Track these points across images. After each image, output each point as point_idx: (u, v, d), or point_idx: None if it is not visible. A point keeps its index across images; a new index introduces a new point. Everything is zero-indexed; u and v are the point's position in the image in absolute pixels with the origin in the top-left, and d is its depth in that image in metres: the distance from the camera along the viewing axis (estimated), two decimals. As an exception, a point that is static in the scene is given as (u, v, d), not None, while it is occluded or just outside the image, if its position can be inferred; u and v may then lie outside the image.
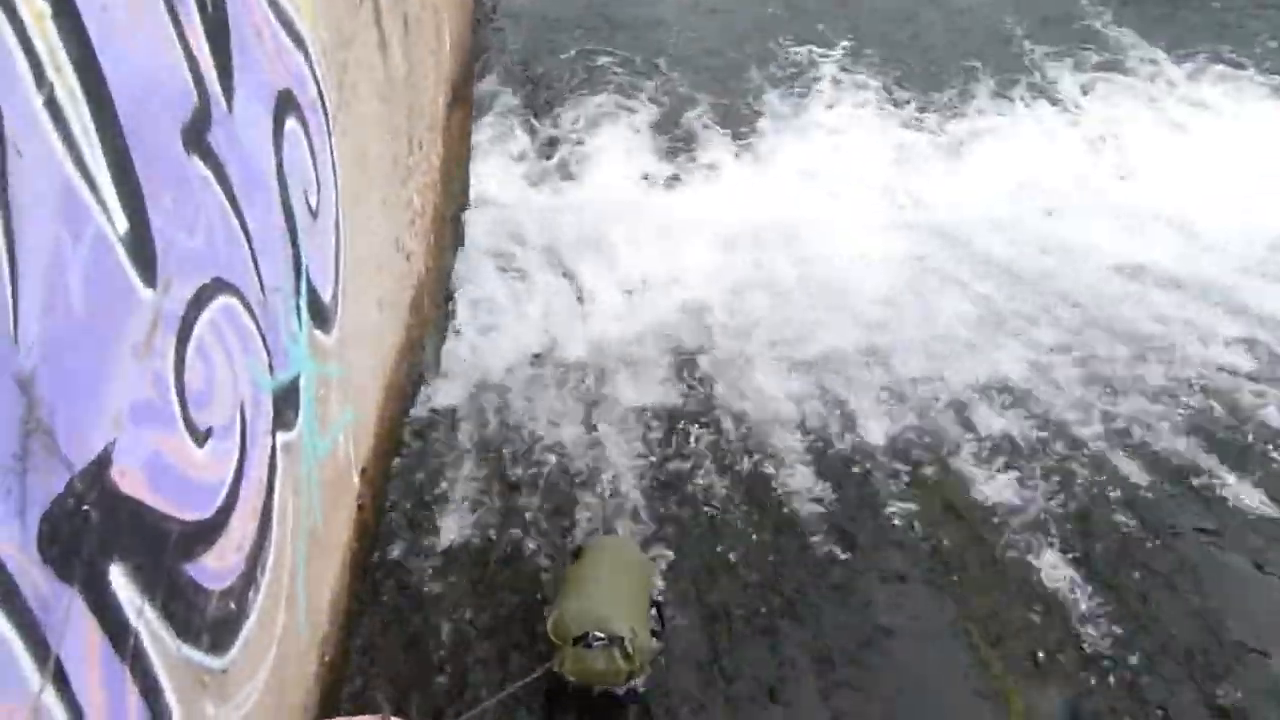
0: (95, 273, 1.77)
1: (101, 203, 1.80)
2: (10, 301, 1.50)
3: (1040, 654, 3.79)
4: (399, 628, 3.97)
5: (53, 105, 1.63)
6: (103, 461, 1.79)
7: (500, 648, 3.91)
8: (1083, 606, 3.97)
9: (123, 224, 1.87)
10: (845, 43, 9.71)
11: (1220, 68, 9.12)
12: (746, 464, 4.84)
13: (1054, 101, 8.76)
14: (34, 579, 1.55)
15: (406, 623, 3.99)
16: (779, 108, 8.71)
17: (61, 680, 1.62)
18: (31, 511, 1.56)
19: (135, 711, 1.89)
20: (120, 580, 1.85)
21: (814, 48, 9.67)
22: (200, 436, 2.24)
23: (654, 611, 3.82)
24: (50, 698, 1.58)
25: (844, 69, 9.26)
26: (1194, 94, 8.83)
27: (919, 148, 8.17)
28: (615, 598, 3.63)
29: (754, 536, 4.40)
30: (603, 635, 3.48)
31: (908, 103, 8.71)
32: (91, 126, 1.76)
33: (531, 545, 4.38)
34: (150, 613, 1.96)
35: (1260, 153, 7.76)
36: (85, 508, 1.72)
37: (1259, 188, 7.24)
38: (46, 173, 1.62)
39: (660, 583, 4.09)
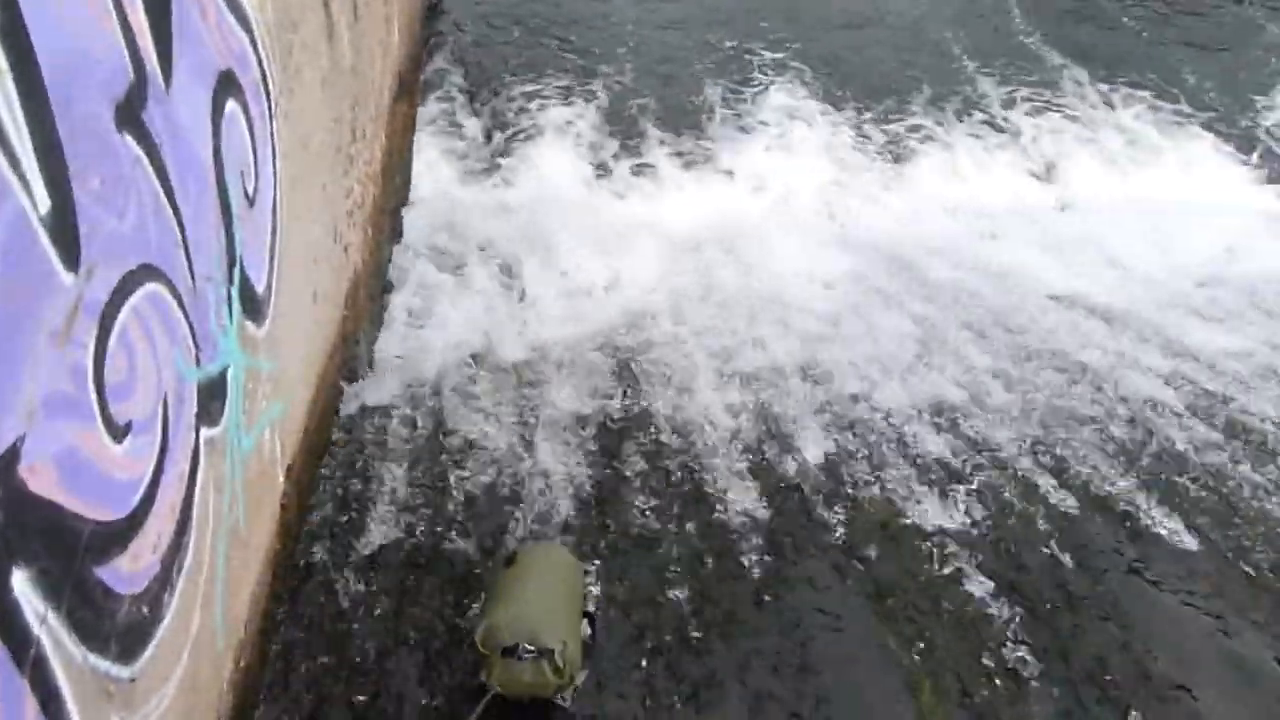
0: (11, 253, 1.65)
1: (22, 179, 1.67)
2: (-87, 282, 1.38)
3: (968, 678, 3.80)
4: (320, 632, 3.84)
5: (-27, 74, 1.51)
6: (10, 457, 1.67)
7: (425, 655, 3.81)
8: (1010, 632, 3.99)
9: (45, 203, 1.75)
10: (793, 52, 9.78)
11: (1150, 98, 9.32)
12: (682, 476, 4.79)
13: (994, 124, 8.87)
14: (-75, 586, 1.43)
15: (328, 627, 3.87)
16: (726, 113, 8.71)
17: (-48, 695, 1.50)
18: (-74, 512, 1.44)
19: (33, 727, 1.77)
20: (23, 586, 1.72)
21: (762, 54, 9.72)
22: (119, 431, 2.11)
23: (586, 623, 3.76)
24: (-61, 713, 1.46)
25: (791, 79, 9.29)
26: (1127, 124, 9.01)
27: (862, 164, 8.21)
28: (546, 609, 3.55)
29: (687, 550, 4.35)
30: (532, 648, 3.41)
31: (854, 118, 8.75)
32: (15, 99, 1.64)
33: (460, 551, 4.28)
34: (54, 620, 1.84)
35: (1189, 189, 7.95)
36: (-12, 507, 1.60)
37: (1187, 225, 7.40)
38: (-39, 144, 1.50)
39: (594, 592, 4.02)
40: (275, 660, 3.67)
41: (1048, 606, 4.14)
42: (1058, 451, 5.06)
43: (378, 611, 3.97)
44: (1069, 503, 4.71)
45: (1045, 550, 4.44)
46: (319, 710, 3.57)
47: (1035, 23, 11.03)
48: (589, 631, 3.78)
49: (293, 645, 3.76)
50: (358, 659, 3.76)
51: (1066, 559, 4.39)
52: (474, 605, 3.96)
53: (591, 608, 3.90)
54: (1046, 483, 4.85)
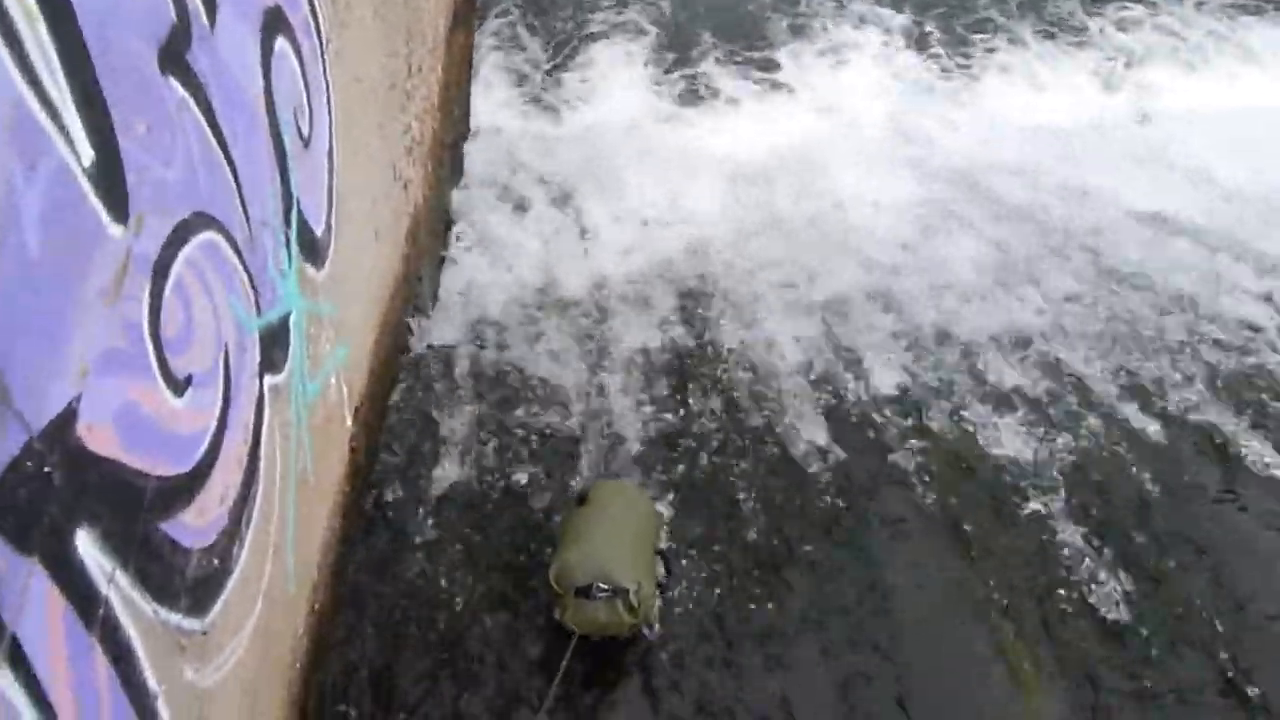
0: (55, 209, 1.59)
1: (63, 130, 1.60)
2: (-48, 243, 1.32)
3: (1050, 618, 3.69)
4: (392, 574, 3.85)
5: (2, 20, 1.43)
6: (66, 418, 1.62)
7: (496, 595, 3.81)
8: (1096, 570, 3.86)
9: (88, 154, 1.68)
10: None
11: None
12: (752, 410, 4.69)
13: (1072, 35, 8.42)
14: (-14, 553, 1.40)
15: (400, 569, 3.88)
16: (793, 35, 8.39)
17: (18, 660, 1.47)
18: (-17, 478, 1.40)
19: (106, 685, 1.76)
20: (88, 546, 1.70)
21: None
22: (179, 385, 2.07)
23: (660, 561, 3.72)
24: (5, 680, 1.44)
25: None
26: (1213, 25, 8.49)
27: (935, 84, 7.89)
28: (621, 548, 3.52)
29: (758, 486, 4.27)
30: (606, 587, 3.38)
31: (925, 37, 8.38)
32: (50, 44, 1.56)
33: (529, 490, 4.25)
34: (123, 579, 1.82)
35: (1283, 97, 7.51)
36: (47, 470, 1.56)
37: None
38: (-6, 97, 1.43)
39: (665, 531, 3.97)
40: (349, 603, 3.69)
41: (1135, 543, 3.99)
42: (1144, 379, 4.86)
43: (449, 551, 3.96)
44: (1156, 433, 4.53)
45: (1132, 484, 4.27)
46: (395, 650, 3.59)
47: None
48: (663, 570, 3.74)
49: (365, 588, 3.78)
50: (431, 599, 3.77)
51: (1155, 492, 4.22)
52: (545, 545, 3.94)
53: (665, 546, 3.86)
54: (1132, 412, 4.66)
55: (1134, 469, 4.34)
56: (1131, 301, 5.46)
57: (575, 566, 3.43)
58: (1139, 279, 5.66)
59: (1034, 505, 4.15)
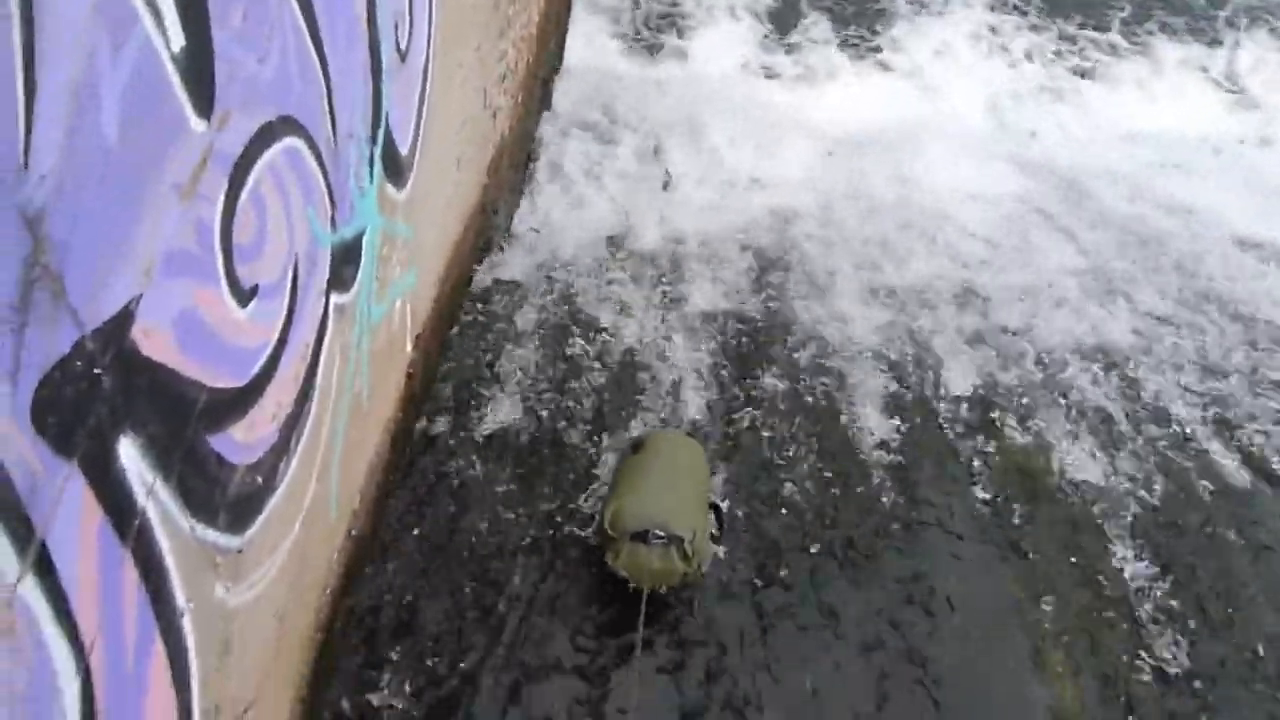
0: (137, 93, 1.48)
1: (154, 10, 1.49)
2: (22, 117, 1.21)
3: (1103, 650, 3.51)
4: (435, 506, 3.79)
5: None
6: (123, 318, 1.53)
7: (532, 540, 3.72)
8: (1156, 605, 3.67)
9: (178, 39, 1.57)
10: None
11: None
12: (818, 390, 4.54)
13: (1196, 41, 7.98)
14: (21, 452, 1.31)
15: (441, 503, 3.81)
16: (903, 10, 8.07)
17: (45, 568, 1.39)
18: (27, 374, 1.31)
19: (132, 599, 1.68)
20: (130, 455, 1.61)
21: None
22: (244, 295, 1.97)
23: (712, 515, 3.65)
24: (28, 588, 1.36)
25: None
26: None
27: (1047, 79, 7.56)
28: (677, 497, 3.49)
29: (814, 470, 4.13)
30: (662, 534, 3.32)
31: (1044, 29, 8.00)
32: (150, -86, 1.44)
33: (579, 440, 4.16)
34: (162, 491, 1.73)
35: None
36: (96, 371, 1.47)
37: None
38: (85, -37, 1.31)
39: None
40: (386, 531, 3.63)
41: (1201, 585, 3.79)
42: (1231, 414, 4.61)
43: (492, 491, 3.89)
44: (1238, 471, 4.30)
45: (1206, 522, 4.06)
46: (426, 583, 3.53)
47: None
48: (715, 524, 3.66)
49: (406, 517, 3.72)
50: (469, 535, 3.70)
51: (1228, 535, 4.01)
52: (589, 497, 3.86)
53: (718, 501, 3.78)
54: (1215, 447, 4.43)
55: (1209, 507, 4.12)
56: (1226, 331, 5.20)
57: (630, 513, 3.38)
58: (1236, 308, 5.39)
59: (1099, 531, 3.96)
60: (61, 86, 1.28)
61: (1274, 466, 4.34)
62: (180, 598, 1.86)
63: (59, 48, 1.26)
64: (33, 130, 1.23)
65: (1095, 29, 8.02)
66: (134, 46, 1.45)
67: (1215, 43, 7.98)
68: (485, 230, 4.90)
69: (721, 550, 3.68)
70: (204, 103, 1.69)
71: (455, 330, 4.57)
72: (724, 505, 3.80)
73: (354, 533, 3.21)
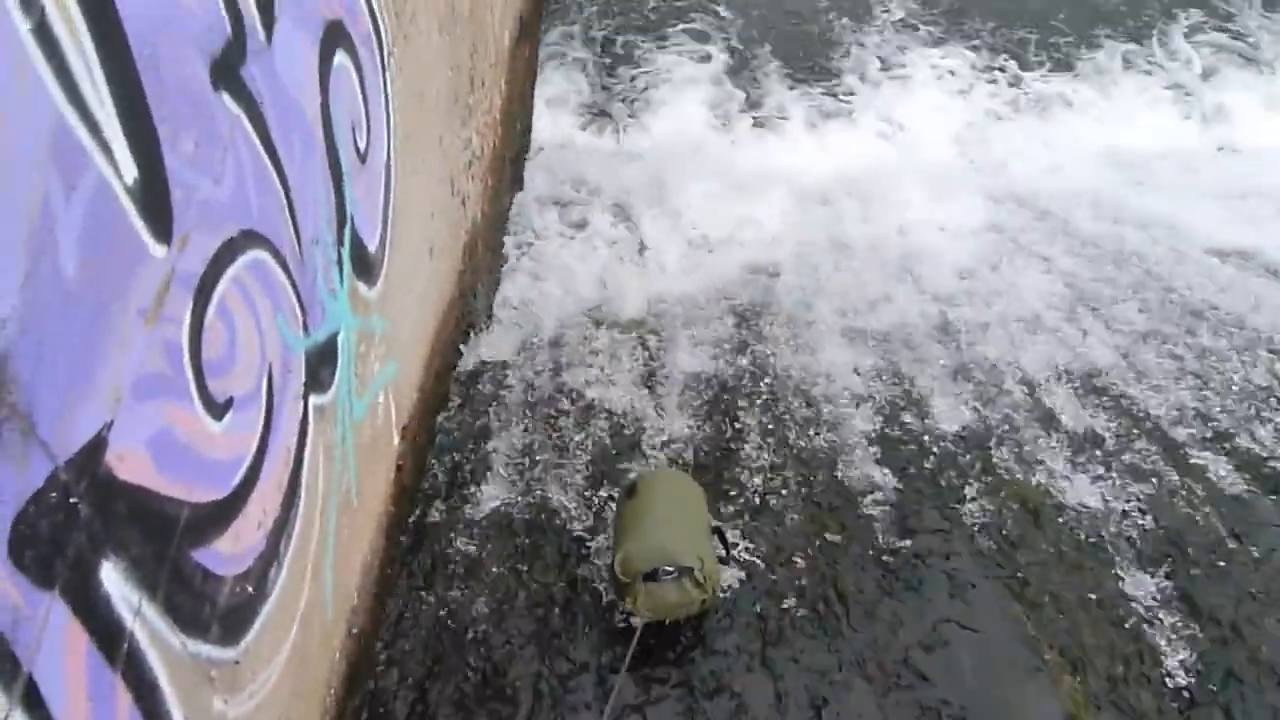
0: (94, 229, 1.53)
1: (104, 146, 1.55)
2: (-21, 267, 1.26)
3: (1117, 675, 3.49)
4: (436, 595, 3.78)
5: (43, 31, 1.38)
6: (96, 446, 1.56)
7: (539, 622, 3.71)
8: (1168, 629, 3.65)
9: (131, 172, 1.63)
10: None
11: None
12: (808, 441, 4.55)
13: (1148, 58, 8.14)
14: (0, 588, 1.33)
15: (444, 590, 3.80)
16: (857, 55, 8.23)
17: (33, 702, 1.41)
18: (2, 510, 1.34)
19: (126, 722, 1.69)
20: (114, 578, 1.63)
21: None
22: (218, 409, 2.01)
23: (716, 539, 3.79)
24: (18, 723, 1.37)
25: (928, 17, 8.70)
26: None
27: (1005, 106, 7.70)
28: (678, 529, 3.60)
29: (809, 519, 4.13)
30: (672, 568, 3.43)
31: (995, 57, 8.16)
32: (95, 57, 1.51)
33: (576, 515, 4.16)
34: (150, 610, 1.75)
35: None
36: (72, 500, 1.50)
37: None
38: (32, 113, 1.37)
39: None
40: (389, 626, 3.63)
41: (1210, 599, 3.77)
42: (1223, 425, 4.63)
43: (493, 575, 3.88)
44: (1235, 483, 4.30)
45: (1207, 536, 4.05)
46: (434, 676, 3.51)
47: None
48: (721, 547, 3.80)
49: (406, 611, 3.71)
50: (474, 622, 3.69)
51: (1231, 545, 4.00)
52: (591, 574, 3.86)
53: (718, 524, 3.91)
54: (1209, 459, 4.43)
55: (1210, 520, 4.12)
56: (1209, 341, 5.24)
57: (636, 555, 3.49)
58: (1217, 317, 5.43)
59: (1103, 555, 3.96)
60: (18, 231, 1.33)
61: (1269, 469, 4.35)
62: (177, 716, 1.87)
63: (10, 196, 1.31)
64: (-10, 277, 1.28)
65: (1053, 56, 8.18)
66: (88, 185, 1.50)
67: (1172, 57, 8.14)
68: (466, 314, 4.96)
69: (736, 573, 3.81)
70: (162, 229, 1.74)
71: (443, 416, 4.60)
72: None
73: (354, 630, 3.21)
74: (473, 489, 4.27)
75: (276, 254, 2.32)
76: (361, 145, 3.01)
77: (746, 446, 4.52)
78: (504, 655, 3.59)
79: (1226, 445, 4.50)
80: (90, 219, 1.52)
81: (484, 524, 4.11)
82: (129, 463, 1.66)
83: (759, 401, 4.80)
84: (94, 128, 1.51)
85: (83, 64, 1.47)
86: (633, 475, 4.13)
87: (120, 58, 1.58)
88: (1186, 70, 8.08)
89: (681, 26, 8.49)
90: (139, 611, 1.72)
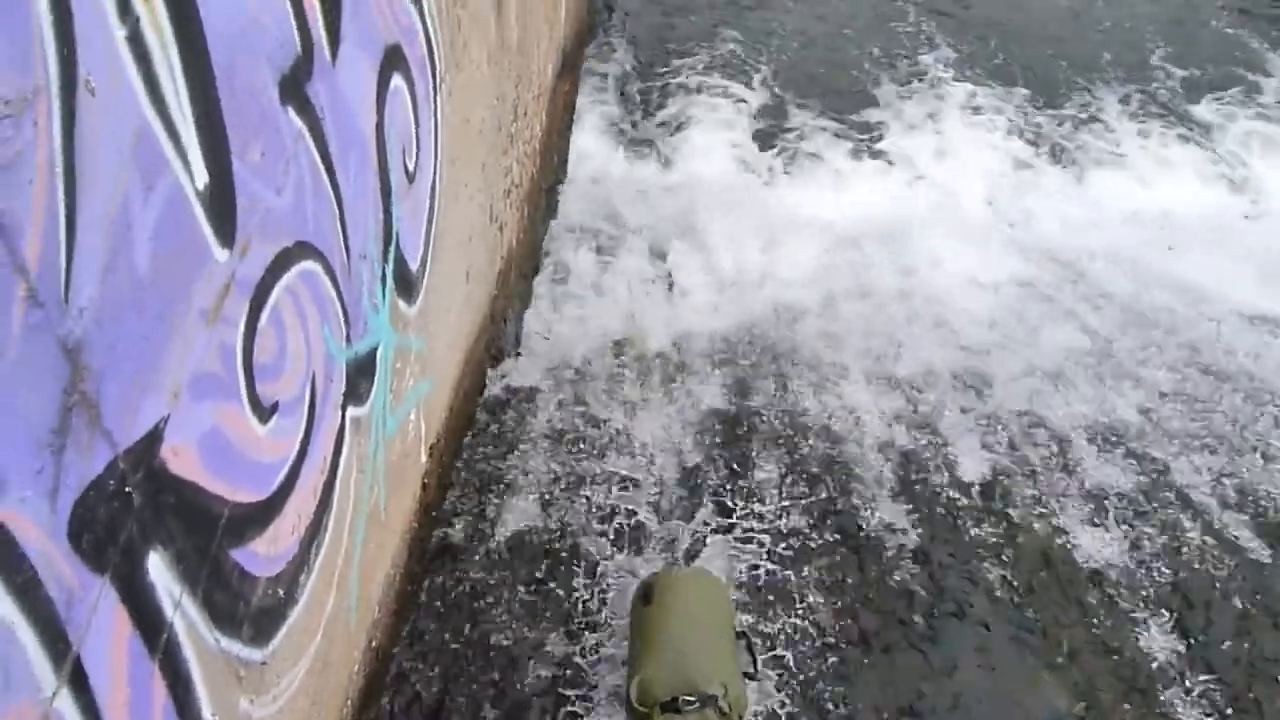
0: (167, 229, 1.59)
1: (181, 152, 1.61)
2: (64, 257, 1.32)
3: (1134, 734, 3.48)
4: (453, 615, 3.80)
5: (136, 40, 1.44)
6: (153, 439, 1.61)
7: (551, 650, 3.72)
8: (1187, 687, 3.63)
9: (203, 177, 1.69)
10: (969, 47, 9.26)
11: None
12: (829, 484, 4.57)
13: (1180, 122, 8.19)
14: (59, 570, 1.38)
15: (462, 611, 3.83)
16: (895, 108, 8.32)
17: (79, 682, 1.45)
18: (64, 495, 1.39)
19: (159, 713, 1.72)
20: (159, 569, 1.68)
21: (937, 48, 9.23)
22: (264, 412, 2.06)
23: (743, 646, 3.49)
24: (64, 702, 1.41)
25: (966, 73, 8.80)
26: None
27: (1038, 163, 7.74)
28: (700, 649, 3.25)
29: (830, 566, 4.14)
30: (693, 698, 3.07)
31: (1031, 115, 8.23)
32: (179, 68, 1.58)
33: (594, 544, 4.18)
34: (189, 604, 1.79)
35: None
36: (128, 490, 1.55)
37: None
38: (121, 114, 1.43)
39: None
40: (406, 641, 3.65)
41: (1228, 664, 3.76)
42: (1247, 488, 4.62)
43: (509, 599, 3.90)
44: (1258, 548, 4.28)
45: (1229, 599, 4.04)
46: (447, 693, 3.53)
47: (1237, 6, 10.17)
48: (749, 659, 3.49)
49: (423, 627, 3.74)
50: (486, 646, 3.71)
51: (1253, 611, 3.98)
52: (604, 603, 3.87)
53: (744, 630, 3.62)
54: (1233, 522, 4.42)
55: (1231, 583, 4.11)
56: (1235, 404, 5.23)
57: (655, 682, 3.13)
58: (1244, 381, 5.42)
59: (1122, 613, 3.95)
60: (99, 225, 1.39)
61: (1291, 538, 4.34)
62: (206, 711, 1.90)
63: (99, 191, 1.37)
64: (72, 266, 1.33)
65: (1085, 112, 8.24)
66: (164, 186, 1.56)
67: (1207, 121, 8.19)
68: (496, 339, 5.02)
69: (761, 686, 3.56)
70: (227, 233, 1.80)
71: (469, 438, 4.64)
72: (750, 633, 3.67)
73: (374, 643, 3.23)
74: (496, 513, 4.30)
75: (327, 266, 2.38)
76: (410, 166, 3.08)
77: (767, 485, 4.53)
78: (519, 681, 3.60)
79: (1250, 510, 4.48)
80: (163, 220, 1.58)
81: (504, 549, 4.14)
82: (181, 458, 1.71)
83: (781, 438, 4.83)
84: (173, 133, 1.58)
85: (168, 72, 1.54)
86: (647, 576, 3.69)
87: (200, 68, 1.65)
88: (1220, 133, 8.12)
89: (718, 74, 8.60)
90: (179, 604, 1.76)
